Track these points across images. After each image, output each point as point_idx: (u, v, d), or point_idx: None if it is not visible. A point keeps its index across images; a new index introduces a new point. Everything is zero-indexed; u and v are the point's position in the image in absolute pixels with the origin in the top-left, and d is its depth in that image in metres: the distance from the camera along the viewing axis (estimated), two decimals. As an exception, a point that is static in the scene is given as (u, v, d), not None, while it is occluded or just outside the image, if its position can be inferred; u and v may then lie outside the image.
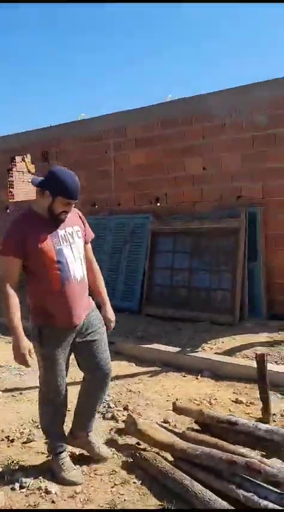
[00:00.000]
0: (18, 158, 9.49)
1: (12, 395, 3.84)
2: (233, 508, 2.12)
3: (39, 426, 2.76)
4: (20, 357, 2.34)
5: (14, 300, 2.34)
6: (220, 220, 5.82)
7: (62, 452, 2.61)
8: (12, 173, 9.04)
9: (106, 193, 7.32)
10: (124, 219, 6.92)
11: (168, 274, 6.14)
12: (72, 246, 2.47)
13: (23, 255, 2.35)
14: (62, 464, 2.58)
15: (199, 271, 5.92)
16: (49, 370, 2.49)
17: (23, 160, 10.43)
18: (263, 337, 4.87)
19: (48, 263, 2.37)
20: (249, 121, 5.80)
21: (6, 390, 3.94)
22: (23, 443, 3.03)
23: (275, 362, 4.12)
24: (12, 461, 2.77)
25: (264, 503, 2.14)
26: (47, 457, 2.75)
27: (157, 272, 6.23)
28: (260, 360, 3.11)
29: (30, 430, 3.19)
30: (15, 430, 3.21)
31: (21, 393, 3.87)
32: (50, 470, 2.61)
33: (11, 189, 8.97)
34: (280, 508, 2.09)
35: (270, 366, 3.83)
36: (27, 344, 2.35)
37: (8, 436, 3.12)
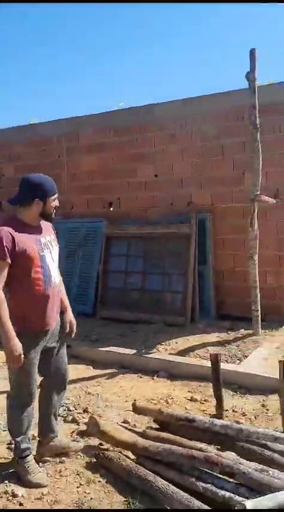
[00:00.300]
0: None
1: None
2: (204, 506, 2.30)
3: (6, 430, 2.80)
4: (15, 358, 2.42)
5: (5, 304, 2.42)
6: (172, 225, 6.04)
7: (28, 455, 2.68)
8: None
9: (59, 197, 7.33)
10: (77, 223, 6.99)
11: (122, 278, 6.29)
12: (52, 252, 2.65)
13: (11, 260, 2.45)
14: (28, 467, 2.65)
15: (152, 274, 6.12)
16: (24, 374, 2.57)
17: None
18: (214, 337, 5.14)
19: (33, 267, 2.51)
20: (198, 131, 6.07)
21: None
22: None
23: (226, 361, 4.37)
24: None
25: (221, 493, 2.33)
26: (10, 461, 2.81)
27: (111, 275, 6.36)
28: (214, 360, 3.32)
29: (-8, 437, 3.22)
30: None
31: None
32: (15, 474, 2.67)
33: None
34: (235, 497, 2.29)
35: (221, 365, 4.09)
36: (20, 345, 2.43)
37: None
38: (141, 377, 4.33)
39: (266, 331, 5.20)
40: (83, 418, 3.44)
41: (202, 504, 2.23)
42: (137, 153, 6.52)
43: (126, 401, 3.77)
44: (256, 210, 4.96)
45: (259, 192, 4.87)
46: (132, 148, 6.55)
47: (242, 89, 5.43)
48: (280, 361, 3.10)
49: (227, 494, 2.31)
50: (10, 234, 2.46)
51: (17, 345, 2.42)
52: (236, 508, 2.06)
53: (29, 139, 7.56)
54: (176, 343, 5.00)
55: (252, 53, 4.62)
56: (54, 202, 2.64)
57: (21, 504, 2.45)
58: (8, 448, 2.99)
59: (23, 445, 2.66)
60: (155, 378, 4.27)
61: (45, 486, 2.59)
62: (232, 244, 5.96)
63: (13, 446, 2.76)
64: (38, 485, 2.58)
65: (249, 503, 2.00)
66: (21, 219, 2.59)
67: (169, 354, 4.67)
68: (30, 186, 2.55)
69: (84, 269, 6.70)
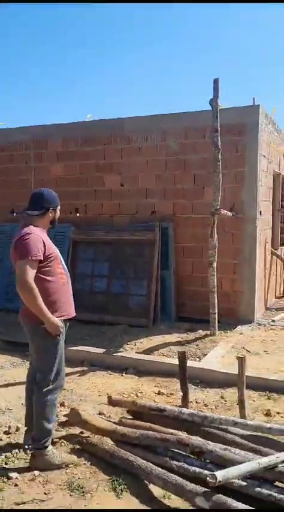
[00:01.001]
0: None
1: None
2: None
3: (39, 419, 2.94)
4: (56, 329, 2.88)
5: (37, 291, 2.79)
6: (137, 232, 6.46)
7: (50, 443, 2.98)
8: None
9: (25, 202, 7.52)
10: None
11: (88, 281, 6.62)
12: (58, 251, 3.09)
13: (42, 259, 2.86)
14: (53, 452, 2.96)
15: (117, 278, 6.50)
16: (57, 359, 2.96)
17: None
18: (175, 337, 5.60)
19: (56, 265, 2.95)
20: (163, 146, 6.52)
21: None
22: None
23: (187, 359, 4.82)
24: None
25: (192, 469, 2.75)
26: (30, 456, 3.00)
27: (78, 279, 6.67)
28: (182, 357, 3.76)
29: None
30: None
31: None
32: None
33: None
34: (205, 471, 2.72)
35: (185, 362, 4.55)
36: (57, 319, 2.88)
37: None
38: (110, 374, 4.69)
39: (222, 332, 5.72)
40: (61, 411, 3.75)
41: (177, 477, 2.64)
42: (105, 163, 6.88)
43: (99, 395, 4.13)
44: (216, 222, 5.47)
45: (219, 207, 5.38)
46: (100, 158, 6.90)
47: (204, 111, 5.96)
48: (238, 358, 3.59)
49: (198, 469, 2.74)
50: (39, 238, 2.87)
51: (55, 319, 2.87)
52: (207, 479, 2.48)
53: (-6, 143, 7.71)
54: (141, 342, 5.41)
55: (215, 82, 5.13)
56: (57, 212, 3.14)
57: (16, 485, 2.75)
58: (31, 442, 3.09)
59: (52, 432, 2.97)
60: (124, 374, 4.65)
61: (72, 462, 2.95)
62: (192, 252, 6.46)
63: (38, 436, 2.95)
64: (69, 461, 2.94)
65: (219, 474, 2.43)
66: (40, 226, 3.00)
67: (136, 352, 5.08)
68: (45, 199, 3.06)
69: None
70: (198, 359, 4.88)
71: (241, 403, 3.57)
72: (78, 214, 7.11)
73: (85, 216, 7.08)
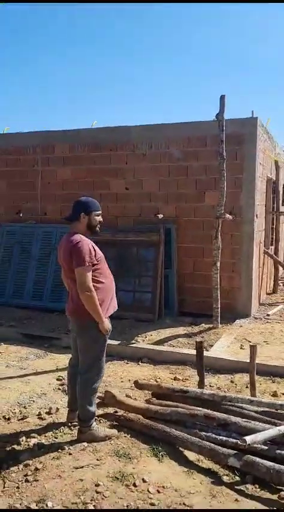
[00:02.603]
0: None
1: (-11, 386, 4.43)
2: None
3: (84, 403, 3.37)
4: (107, 330, 3.35)
5: (96, 296, 3.21)
6: (142, 233, 6.92)
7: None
8: None
9: (31, 203, 7.93)
10: (51, 227, 7.63)
11: (96, 279, 7.05)
12: None
13: (94, 263, 3.25)
14: (98, 428, 3.42)
15: (123, 276, 6.94)
16: (103, 352, 3.42)
17: None
18: (181, 330, 6.10)
19: (105, 267, 3.39)
20: (167, 153, 7.01)
21: (-17, 382, 4.50)
22: (19, 419, 3.75)
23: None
24: (19, 432, 3.49)
25: (220, 437, 3.26)
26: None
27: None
28: (199, 345, 4.25)
29: (20, 411, 3.89)
30: (7, 411, 3.88)
31: (-3, 384, 4.49)
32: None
33: None
34: (230, 439, 3.22)
35: (194, 352, 5.05)
36: (107, 321, 3.36)
37: (4, 416, 3.79)
38: (127, 363, 5.16)
39: (223, 325, 6.26)
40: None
41: (210, 444, 3.14)
42: (111, 168, 7.32)
43: (121, 381, 4.59)
44: (220, 226, 5.99)
45: (223, 211, 5.90)
46: (106, 163, 7.33)
47: (205, 121, 6.47)
48: (250, 346, 4.11)
49: (224, 438, 3.25)
50: (89, 246, 3.24)
51: (107, 321, 3.35)
52: (238, 442, 2.99)
53: (2, 147, 8.05)
54: (151, 335, 5.89)
55: (222, 98, 5.65)
56: (97, 217, 3.43)
57: (70, 454, 3.20)
58: (80, 419, 3.40)
59: (96, 413, 3.42)
60: (140, 363, 5.12)
61: (114, 435, 3.39)
62: (192, 252, 6.97)
63: (85, 418, 3.37)
64: (112, 434, 3.39)
65: (248, 438, 2.93)
66: (84, 234, 3.35)
67: (147, 343, 5.55)
68: (80, 205, 3.40)
69: (58, 269, 7.34)
70: (204, 349, 5.38)
71: (252, 385, 4.09)
72: (84, 216, 7.51)
73: (91, 217, 7.49)
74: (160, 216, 6.97)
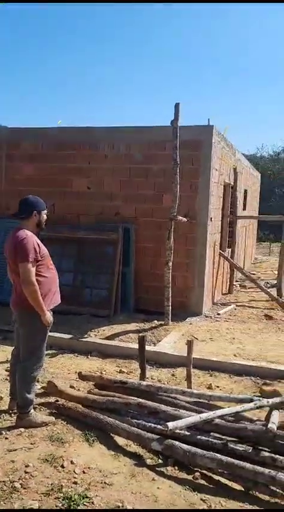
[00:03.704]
0: None
1: None
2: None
3: (22, 391, 3.58)
4: (49, 322, 3.57)
5: (38, 289, 3.42)
6: (102, 232, 7.14)
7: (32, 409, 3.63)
8: None
9: (-5, 199, 8.03)
10: (14, 223, 7.73)
11: (55, 275, 7.23)
12: None
13: (38, 259, 3.45)
14: (36, 415, 3.62)
15: (82, 273, 7.16)
16: (43, 343, 3.61)
17: None
18: (133, 326, 6.35)
19: (50, 262, 3.59)
20: (127, 155, 7.24)
21: None
22: None
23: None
24: None
25: (149, 424, 3.51)
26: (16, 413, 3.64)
27: (45, 272, 7.26)
28: (141, 339, 4.49)
29: None
30: None
31: None
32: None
33: None
34: (158, 426, 3.48)
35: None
36: (49, 314, 3.60)
37: None
38: (77, 356, 5.37)
39: (174, 322, 6.54)
40: (36, 385, 4.39)
41: (137, 429, 3.39)
42: (74, 167, 7.51)
43: (68, 373, 4.80)
44: (173, 227, 6.26)
45: (176, 213, 6.17)
46: (69, 162, 7.52)
47: (165, 126, 6.72)
48: (187, 341, 4.39)
49: (153, 425, 3.50)
50: (34, 239, 3.46)
51: (49, 314, 3.57)
52: (161, 428, 3.25)
53: None
54: (104, 330, 6.12)
55: (176, 106, 5.91)
56: (44, 217, 3.69)
57: (6, 438, 3.39)
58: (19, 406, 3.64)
59: (34, 400, 3.62)
60: (89, 356, 5.35)
61: (51, 421, 3.59)
62: (150, 251, 7.23)
63: (23, 404, 3.57)
64: (49, 421, 3.60)
65: (170, 424, 3.19)
66: (31, 230, 3.56)
67: (100, 338, 5.78)
68: (30, 203, 3.61)
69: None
70: (153, 344, 5.65)
71: (188, 378, 4.37)
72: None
73: (53, 214, 7.65)
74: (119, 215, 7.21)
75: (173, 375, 4.84)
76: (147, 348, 5.34)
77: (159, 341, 5.73)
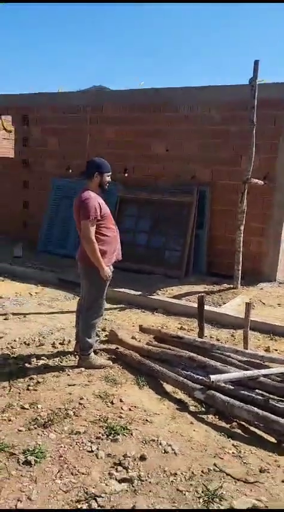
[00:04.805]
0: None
1: (19, 318, 5.18)
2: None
3: (83, 336, 3.97)
4: (107, 276, 3.82)
5: (97, 246, 3.71)
6: (177, 194, 7.25)
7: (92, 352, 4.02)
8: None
9: (80, 160, 8.45)
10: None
11: (132, 235, 7.55)
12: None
13: (99, 218, 3.73)
14: (95, 357, 4.00)
15: (157, 234, 7.38)
16: (102, 294, 3.94)
17: None
18: (202, 287, 6.48)
19: (109, 222, 3.85)
20: (207, 116, 7.16)
21: (14, 314, 5.26)
22: (37, 346, 4.43)
23: (209, 305, 5.72)
24: (35, 354, 4.17)
25: (196, 376, 3.70)
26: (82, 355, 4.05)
27: (123, 232, 7.59)
28: (200, 299, 4.64)
29: (39, 339, 4.57)
30: (29, 338, 4.58)
31: (25, 316, 5.22)
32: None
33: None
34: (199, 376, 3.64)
35: (206, 307, 5.44)
36: (108, 268, 3.84)
37: (25, 341, 4.50)
38: (143, 312, 5.67)
39: (245, 287, 6.53)
40: (101, 333, 4.78)
41: (184, 379, 3.60)
42: (153, 129, 7.61)
43: (132, 326, 5.12)
44: (246, 190, 6.17)
45: (250, 176, 6.06)
46: (149, 125, 7.63)
47: (246, 85, 6.50)
48: (246, 303, 4.43)
49: (200, 377, 3.68)
50: (97, 200, 3.73)
51: (107, 268, 3.82)
52: (204, 379, 3.42)
53: (56, 105, 8.60)
54: (172, 290, 6.34)
55: (256, 63, 5.69)
56: (107, 178, 3.89)
57: (68, 375, 3.81)
58: (79, 350, 4.08)
59: (93, 344, 4.00)
60: (155, 313, 5.61)
61: (109, 365, 3.95)
62: (225, 215, 7.19)
63: (84, 347, 3.96)
64: (107, 364, 3.95)
65: (213, 376, 3.35)
66: (94, 190, 3.82)
67: (167, 297, 6.01)
68: (93, 165, 3.86)
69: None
70: (218, 306, 5.75)
71: (244, 338, 4.44)
72: (126, 175, 7.96)
73: (132, 176, 7.92)
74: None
75: (232, 336, 4.93)
76: (210, 308, 5.48)
77: (225, 303, 5.81)
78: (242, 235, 6.33)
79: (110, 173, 3.93)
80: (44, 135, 8.97)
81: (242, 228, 6.29)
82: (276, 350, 4.56)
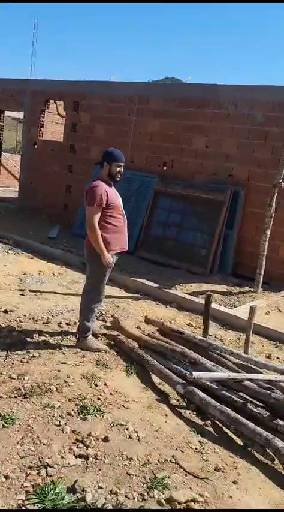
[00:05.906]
0: (51, 101, 10.62)
1: (35, 295, 5.42)
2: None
3: (82, 318, 4.13)
4: (108, 263, 3.89)
5: (100, 232, 3.81)
6: (210, 192, 7.21)
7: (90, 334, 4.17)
8: (44, 114, 10.23)
9: (122, 150, 8.57)
10: (134, 175, 8.27)
11: (162, 228, 7.61)
12: (120, 201, 4.00)
13: (104, 206, 3.81)
14: (92, 341, 4.14)
15: (186, 229, 7.39)
16: (103, 280, 4.03)
17: (55, 103, 11.53)
18: (222, 287, 6.44)
19: (116, 212, 3.91)
20: (249, 116, 7.04)
21: (31, 291, 5.50)
22: (43, 323, 4.63)
23: (224, 305, 5.69)
24: (39, 330, 4.37)
25: (184, 371, 3.73)
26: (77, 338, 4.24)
27: (154, 224, 7.69)
28: (207, 297, 4.63)
29: (47, 317, 4.77)
30: (38, 315, 4.79)
31: (41, 294, 5.45)
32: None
33: (40, 128, 10.22)
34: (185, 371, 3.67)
35: (217, 306, 5.43)
36: (110, 256, 3.91)
37: (33, 317, 4.71)
38: (157, 304, 5.73)
39: (266, 292, 6.42)
40: (109, 319, 4.91)
41: (170, 372, 3.65)
42: (195, 124, 7.60)
43: (142, 316, 5.20)
44: (276, 194, 6.03)
45: (281, 180, 5.92)
46: (191, 119, 7.62)
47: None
48: (250, 307, 4.38)
49: (184, 370, 3.71)
50: (104, 189, 3.80)
51: (108, 255, 3.89)
52: (187, 374, 3.45)
53: (106, 94, 8.77)
54: (191, 286, 6.34)
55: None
56: (117, 168, 3.92)
57: (63, 353, 3.97)
58: (77, 332, 4.29)
59: (91, 327, 4.15)
60: (168, 306, 5.66)
61: (104, 349, 4.07)
62: (257, 218, 7.06)
63: (82, 329, 4.11)
64: (103, 348, 4.08)
65: (195, 373, 3.38)
66: (104, 178, 3.90)
67: (183, 292, 6.04)
68: (105, 154, 3.93)
69: (132, 215, 8.03)
70: (233, 307, 5.70)
71: (246, 342, 4.40)
72: (164, 168, 8.01)
73: (170, 170, 7.96)
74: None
75: (238, 339, 4.89)
76: (222, 309, 5.46)
77: (240, 306, 5.75)
78: (267, 239, 6.21)
79: (122, 163, 3.95)
80: (92, 122, 9.19)
81: (268, 232, 6.17)
82: (278, 358, 4.49)
